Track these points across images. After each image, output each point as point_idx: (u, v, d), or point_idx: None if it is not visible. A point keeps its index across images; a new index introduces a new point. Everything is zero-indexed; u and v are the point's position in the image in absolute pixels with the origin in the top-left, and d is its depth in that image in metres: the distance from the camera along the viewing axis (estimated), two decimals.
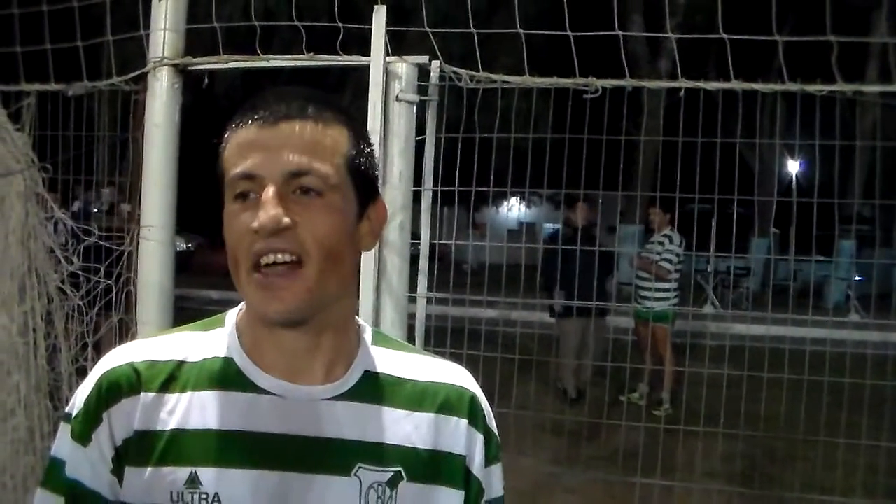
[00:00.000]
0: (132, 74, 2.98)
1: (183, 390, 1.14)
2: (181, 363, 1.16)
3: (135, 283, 2.91)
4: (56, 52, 3.26)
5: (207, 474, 1.09)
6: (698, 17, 12.72)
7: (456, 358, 1.34)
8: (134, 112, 3.01)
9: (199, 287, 13.98)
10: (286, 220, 1.05)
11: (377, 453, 1.15)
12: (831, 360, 3.89)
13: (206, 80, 2.94)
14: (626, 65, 2.98)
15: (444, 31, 2.95)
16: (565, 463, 5.95)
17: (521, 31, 3.01)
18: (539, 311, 8.67)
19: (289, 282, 1.07)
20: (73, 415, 1.15)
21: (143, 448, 1.11)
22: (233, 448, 1.11)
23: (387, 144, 2.68)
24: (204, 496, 1.08)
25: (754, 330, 5.57)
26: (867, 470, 4.31)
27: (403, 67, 2.71)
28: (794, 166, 18.21)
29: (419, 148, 2.83)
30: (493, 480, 1.27)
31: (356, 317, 1.25)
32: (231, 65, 2.89)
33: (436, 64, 2.80)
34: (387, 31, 2.61)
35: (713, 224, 4.88)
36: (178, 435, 1.11)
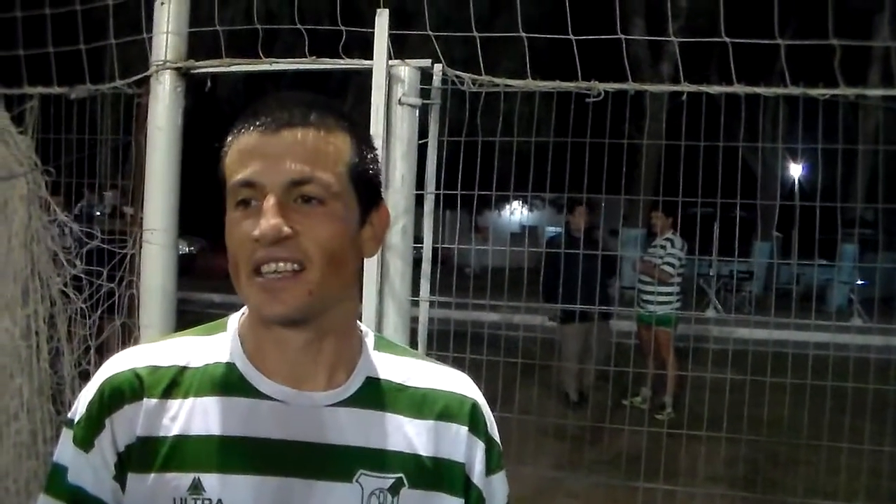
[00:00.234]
0: (135, 78, 2.98)
1: (185, 396, 1.13)
2: (183, 368, 1.16)
3: (137, 286, 2.92)
4: (59, 56, 3.27)
5: (210, 480, 1.09)
6: (700, 21, 12.71)
7: (458, 362, 1.33)
8: (136, 115, 3.01)
9: (201, 290, 13.98)
10: (286, 229, 1.05)
11: (379, 459, 1.15)
12: (834, 364, 3.87)
13: (209, 84, 2.94)
14: (628, 68, 2.98)
15: (446, 34, 2.95)
16: (568, 467, 5.94)
17: (524, 34, 3.01)
18: (541, 314, 8.65)
19: (290, 284, 1.07)
20: (76, 420, 1.15)
21: (145, 454, 1.10)
22: (235, 454, 1.10)
23: (389, 148, 2.68)
24: (207, 502, 1.08)
25: (757, 334, 5.56)
26: (870, 474, 4.29)
27: (406, 71, 2.71)
28: (796, 170, 18.22)
29: (422, 151, 2.83)
30: (496, 489, 1.26)
31: (358, 322, 1.25)
32: (233, 68, 2.89)
33: (438, 67, 2.80)
34: (389, 35, 2.61)
35: (716, 228, 4.88)
36: (181, 441, 1.11)
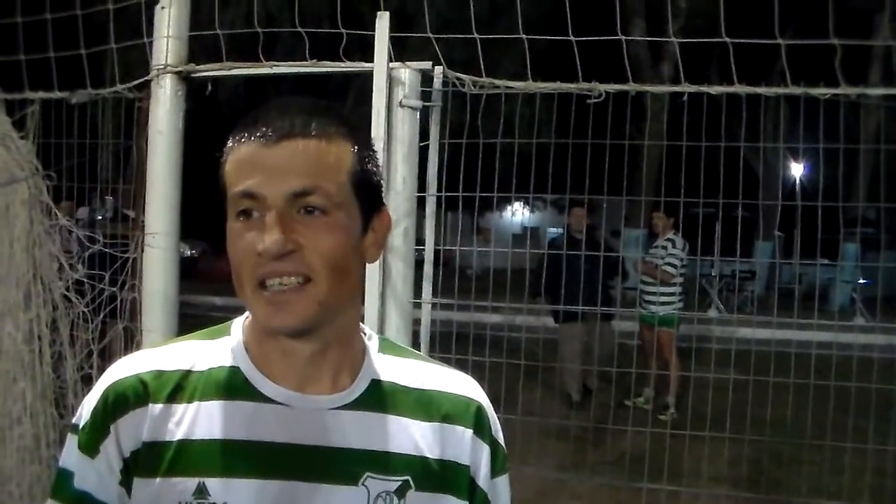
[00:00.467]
0: (136, 82, 2.98)
1: (190, 400, 1.14)
2: (188, 373, 1.16)
3: (139, 290, 2.92)
4: (60, 60, 3.27)
5: (215, 484, 1.09)
6: (700, 21, 12.71)
7: (461, 364, 1.33)
8: (137, 119, 3.01)
9: (203, 293, 13.99)
10: (289, 246, 1.05)
11: (385, 462, 1.15)
12: (837, 363, 3.87)
13: (210, 87, 2.94)
14: (628, 69, 2.98)
15: (446, 36, 2.95)
16: (571, 468, 5.94)
17: (524, 36, 3.01)
18: (544, 315, 8.65)
19: (297, 297, 1.07)
20: (80, 426, 1.15)
21: (151, 459, 1.11)
22: (240, 458, 1.10)
23: (390, 150, 2.68)
24: None
25: (759, 334, 5.56)
26: (874, 474, 4.29)
27: (407, 73, 2.71)
28: (798, 169, 18.21)
29: (423, 154, 2.83)
30: (500, 492, 1.26)
31: (362, 325, 1.25)
32: (234, 72, 2.89)
33: (439, 70, 2.80)
34: (390, 38, 2.61)
35: (717, 228, 4.88)
36: (186, 445, 1.11)
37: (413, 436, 1.18)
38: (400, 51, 2.71)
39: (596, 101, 2.89)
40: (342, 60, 2.79)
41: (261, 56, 2.87)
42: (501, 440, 1.27)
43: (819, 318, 3.85)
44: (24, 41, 3.35)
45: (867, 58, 17.88)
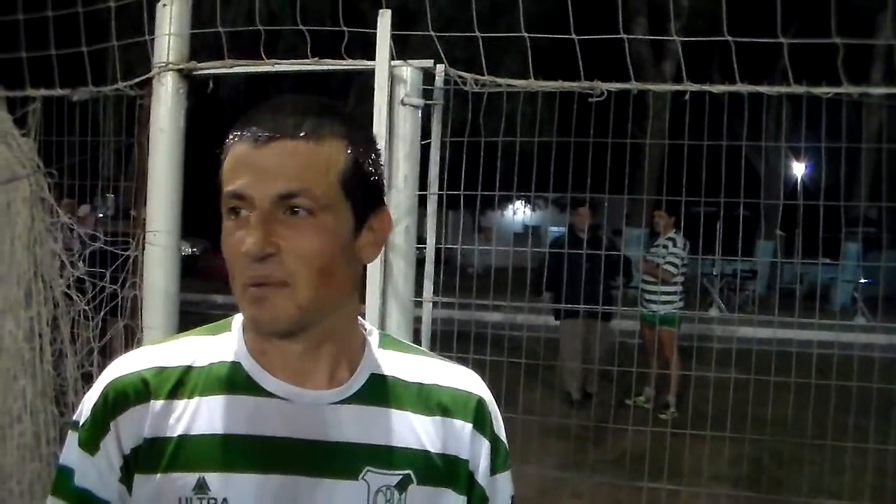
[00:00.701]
0: (137, 79, 2.98)
1: (191, 395, 1.14)
2: (189, 368, 1.16)
3: (140, 287, 2.92)
4: (61, 58, 3.27)
5: (215, 479, 1.09)
6: (702, 20, 12.71)
7: (462, 362, 1.33)
8: (139, 117, 3.01)
9: (204, 291, 13.99)
10: (268, 249, 1.06)
11: (386, 456, 1.15)
12: (838, 363, 3.87)
13: (211, 85, 2.94)
14: (630, 68, 2.97)
15: (448, 34, 2.94)
16: (572, 467, 5.94)
17: (526, 34, 3.01)
18: (545, 314, 8.66)
19: (279, 299, 1.08)
20: (81, 423, 1.15)
21: (152, 455, 1.11)
22: (240, 452, 1.11)
23: (392, 148, 2.68)
24: (213, 501, 1.09)
25: (761, 333, 5.55)
26: (875, 473, 4.29)
27: (408, 71, 2.71)
28: (799, 169, 18.20)
29: (424, 152, 2.83)
30: (499, 488, 1.25)
31: (362, 320, 1.25)
32: (236, 70, 2.89)
33: (441, 68, 2.80)
34: (391, 36, 2.61)
35: (719, 227, 4.87)
36: (186, 440, 1.11)
37: (414, 430, 1.18)
38: (402, 49, 2.70)
39: (598, 99, 2.89)
40: (344, 58, 2.79)
41: (262, 54, 2.87)
42: (503, 436, 1.27)
43: (820, 318, 3.85)
44: (26, 38, 3.34)
45: (869, 57, 17.86)
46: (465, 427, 1.21)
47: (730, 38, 2.91)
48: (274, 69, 2.86)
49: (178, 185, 2.86)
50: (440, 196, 2.95)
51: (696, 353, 5.29)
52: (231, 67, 2.88)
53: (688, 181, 3.58)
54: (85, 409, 1.16)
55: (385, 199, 1.22)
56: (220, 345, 1.19)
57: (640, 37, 15.55)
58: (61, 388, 3.24)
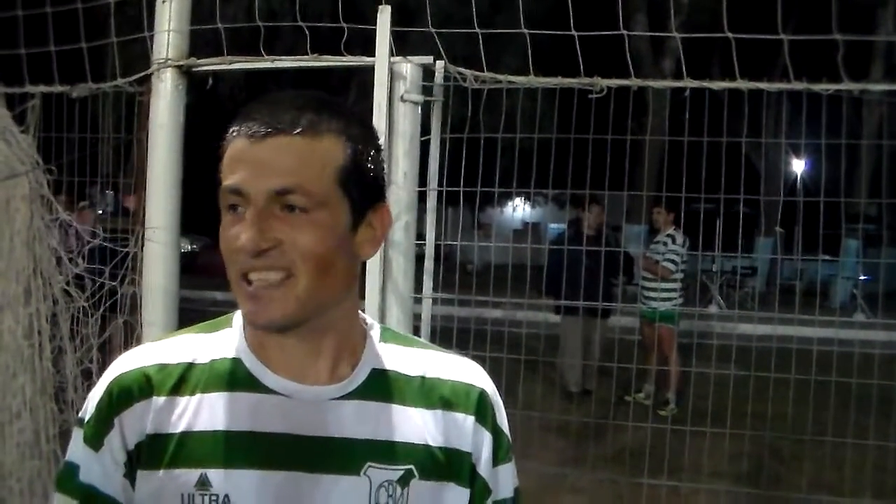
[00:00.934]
0: (136, 76, 2.98)
1: (193, 392, 1.14)
2: (191, 365, 1.16)
3: (140, 284, 2.91)
4: (60, 54, 3.26)
5: (217, 476, 1.10)
6: (702, 17, 12.69)
7: None
8: (138, 113, 3.01)
9: (203, 288, 13.99)
10: (263, 244, 1.06)
11: (388, 452, 1.15)
12: (838, 359, 3.87)
13: (210, 81, 2.93)
14: (630, 64, 2.97)
15: (448, 31, 2.94)
16: (572, 463, 5.94)
17: (526, 31, 3.00)
18: (545, 311, 8.67)
19: (277, 293, 1.08)
20: (86, 420, 1.16)
21: (154, 451, 1.12)
22: (242, 449, 1.11)
23: (391, 145, 2.68)
24: (214, 497, 1.09)
25: (760, 330, 5.55)
26: (875, 470, 4.29)
27: (408, 68, 2.70)
28: (799, 166, 18.20)
29: (424, 148, 2.83)
30: (501, 480, 1.25)
31: (363, 314, 1.25)
32: (235, 66, 2.89)
33: (440, 64, 2.80)
34: (391, 32, 2.61)
35: (719, 223, 4.87)
36: (189, 437, 1.12)
37: (416, 424, 1.18)
38: (401, 45, 2.70)
39: (597, 96, 2.88)
40: (343, 55, 2.78)
41: (262, 50, 2.86)
42: (505, 428, 1.27)
43: (820, 315, 3.84)
44: (25, 35, 3.34)
45: (869, 53, 17.86)
46: (466, 419, 1.21)
47: (730, 35, 2.90)
48: (273, 66, 2.86)
49: (177, 182, 2.86)
50: (440, 192, 2.95)
51: (696, 350, 5.29)
52: (230, 64, 2.87)
53: (687, 178, 3.58)
54: (90, 405, 1.16)
55: (385, 195, 1.22)
56: (221, 341, 1.19)
57: (640, 33, 15.55)
58: (61, 385, 3.24)
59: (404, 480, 1.14)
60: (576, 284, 6.03)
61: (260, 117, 1.09)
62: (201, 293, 13.84)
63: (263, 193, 1.06)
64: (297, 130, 1.08)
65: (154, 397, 1.13)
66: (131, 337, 2.97)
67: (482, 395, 1.24)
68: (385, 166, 1.22)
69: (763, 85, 2.87)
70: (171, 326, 2.80)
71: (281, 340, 1.14)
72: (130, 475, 1.12)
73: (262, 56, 2.86)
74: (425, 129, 2.82)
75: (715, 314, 10.06)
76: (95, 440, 1.13)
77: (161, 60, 2.82)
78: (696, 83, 2.89)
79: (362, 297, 2.55)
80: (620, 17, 3.03)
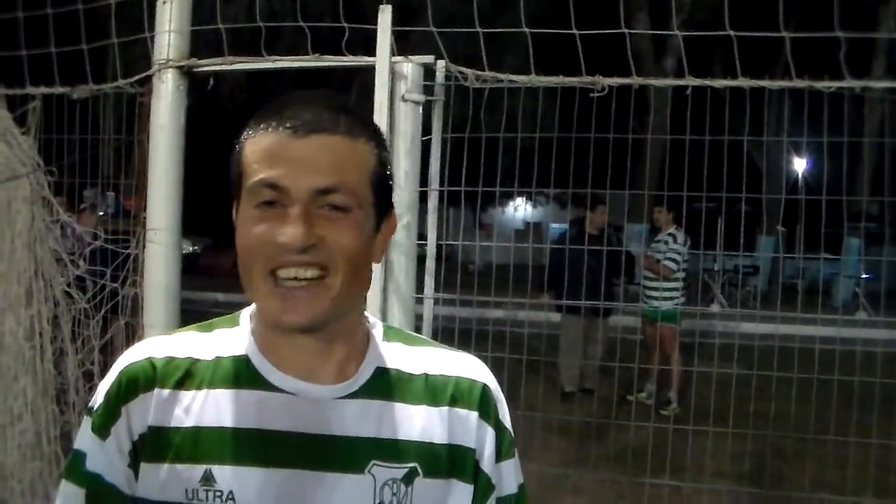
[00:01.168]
0: (137, 77, 2.98)
1: (199, 388, 1.15)
2: (197, 361, 1.17)
3: (141, 285, 2.91)
4: (61, 56, 3.26)
5: (222, 472, 1.10)
6: (703, 15, 12.69)
7: None
8: (139, 114, 3.01)
9: (205, 289, 14.01)
10: (312, 240, 1.05)
11: (392, 450, 1.15)
12: (840, 358, 3.86)
13: (212, 82, 2.93)
14: (632, 63, 2.96)
15: (449, 30, 2.93)
16: (573, 463, 5.94)
17: (527, 30, 3.00)
18: (546, 310, 8.67)
19: (310, 293, 1.07)
20: (95, 408, 1.16)
21: (158, 444, 1.12)
22: (247, 446, 1.11)
23: (393, 145, 2.68)
24: (218, 494, 1.09)
25: (762, 328, 5.55)
26: (878, 468, 4.29)
27: (409, 67, 2.70)
28: (801, 164, 18.19)
29: (425, 148, 2.82)
30: (505, 476, 1.25)
31: (366, 313, 1.26)
32: (236, 66, 2.89)
33: (441, 64, 2.79)
34: (392, 32, 2.60)
35: (720, 222, 4.86)
36: (194, 432, 1.12)
37: (420, 423, 1.18)
38: (402, 45, 2.70)
39: (599, 95, 2.88)
40: (345, 55, 2.78)
41: (263, 51, 2.86)
42: (508, 424, 1.27)
43: (822, 313, 3.84)
44: (26, 36, 3.34)
45: (871, 51, 17.84)
46: (470, 416, 1.21)
47: (731, 33, 2.90)
48: (275, 66, 2.86)
49: (178, 183, 2.86)
50: (441, 192, 2.95)
51: (698, 349, 5.29)
52: (231, 64, 2.87)
53: (689, 176, 3.58)
54: (99, 395, 1.17)
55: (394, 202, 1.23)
56: (229, 339, 1.19)
57: (642, 31, 15.54)
58: (62, 387, 3.24)
59: (408, 478, 1.15)
60: (578, 284, 6.03)
61: (296, 114, 1.09)
62: (203, 294, 13.85)
63: (307, 190, 1.06)
64: (340, 130, 1.09)
65: (157, 389, 1.13)
66: (133, 338, 2.97)
67: (485, 390, 1.24)
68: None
69: (765, 83, 2.86)
70: (172, 327, 2.79)
71: (294, 340, 1.14)
72: (134, 465, 1.12)
73: (264, 56, 2.85)
74: (426, 128, 2.82)
75: (717, 313, 10.05)
76: (103, 429, 1.14)
77: (162, 61, 2.82)
78: (697, 81, 2.88)
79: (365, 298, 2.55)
80: (622, 16, 3.03)
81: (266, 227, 1.06)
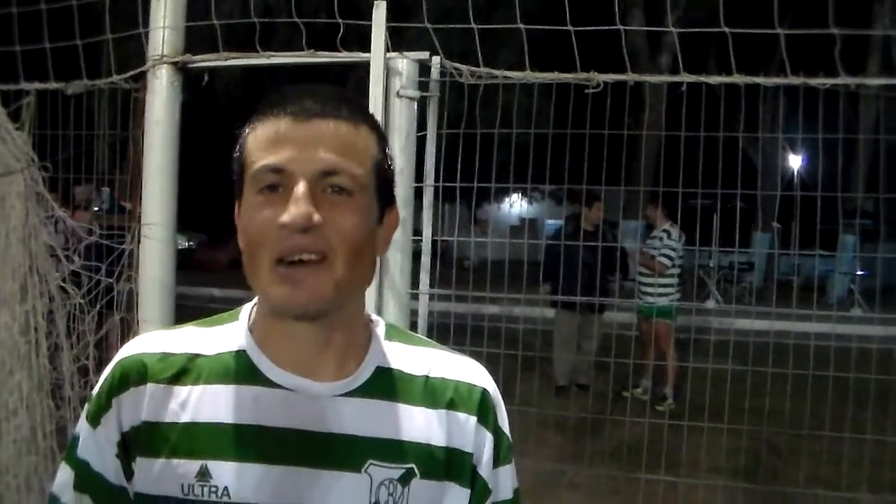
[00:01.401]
0: (132, 72, 2.97)
1: (195, 383, 1.15)
2: (195, 356, 1.17)
3: (136, 281, 2.91)
4: (55, 51, 3.25)
5: (218, 467, 1.10)
6: (698, 12, 12.67)
7: None
8: (134, 110, 3.00)
9: (200, 285, 13.98)
10: (317, 217, 1.04)
11: (390, 450, 1.15)
12: (835, 354, 3.87)
13: (206, 78, 2.93)
14: (627, 59, 2.97)
15: (444, 26, 2.93)
16: (569, 459, 5.94)
17: (522, 26, 3.00)
18: (542, 306, 8.68)
19: (314, 276, 1.06)
20: (92, 397, 1.18)
21: (154, 439, 1.12)
22: (243, 442, 1.11)
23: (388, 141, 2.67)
24: (214, 489, 1.09)
25: (758, 325, 5.56)
26: (872, 465, 4.30)
27: (404, 63, 2.70)
28: (796, 160, 18.20)
29: (420, 144, 2.82)
30: (501, 482, 1.25)
31: (369, 312, 1.25)
32: (231, 62, 2.88)
33: (436, 60, 2.79)
34: (387, 28, 2.60)
35: (716, 219, 4.87)
36: (190, 427, 1.12)
37: (419, 424, 1.18)
38: (397, 41, 2.70)
39: (594, 91, 2.88)
40: (339, 51, 2.78)
41: (258, 46, 2.86)
42: (506, 429, 1.27)
43: (817, 310, 3.85)
44: (20, 32, 3.33)
45: (866, 48, 17.86)
46: (469, 420, 1.21)
47: (726, 30, 2.90)
48: (269, 62, 2.85)
49: (173, 179, 2.86)
50: (436, 188, 2.95)
51: (693, 345, 5.30)
52: (226, 60, 2.87)
53: (684, 173, 3.58)
54: (98, 384, 1.18)
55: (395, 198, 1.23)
56: (228, 335, 1.19)
57: (637, 28, 15.53)
58: (57, 382, 3.23)
59: (405, 479, 1.14)
60: (573, 280, 6.03)
61: (299, 101, 1.10)
62: (198, 290, 13.83)
63: (311, 172, 1.06)
64: (343, 116, 1.10)
65: (148, 384, 1.14)
66: (128, 334, 2.97)
67: (484, 395, 1.24)
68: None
69: (760, 80, 2.86)
70: (168, 323, 2.80)
71: (293, 334, 1.13)
72: (124, 457, 1.13)
73: (259, 52, 2.85)
74: (421, 124, 2.81)
75: (712, 309, 10.07)
76: (94, 418, 1.15)
77: (156, 57, 2.82)
78: (692, 78, 2.88)
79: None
80: (617, 13, 3.03)
81: (270, 212, 1.06)
